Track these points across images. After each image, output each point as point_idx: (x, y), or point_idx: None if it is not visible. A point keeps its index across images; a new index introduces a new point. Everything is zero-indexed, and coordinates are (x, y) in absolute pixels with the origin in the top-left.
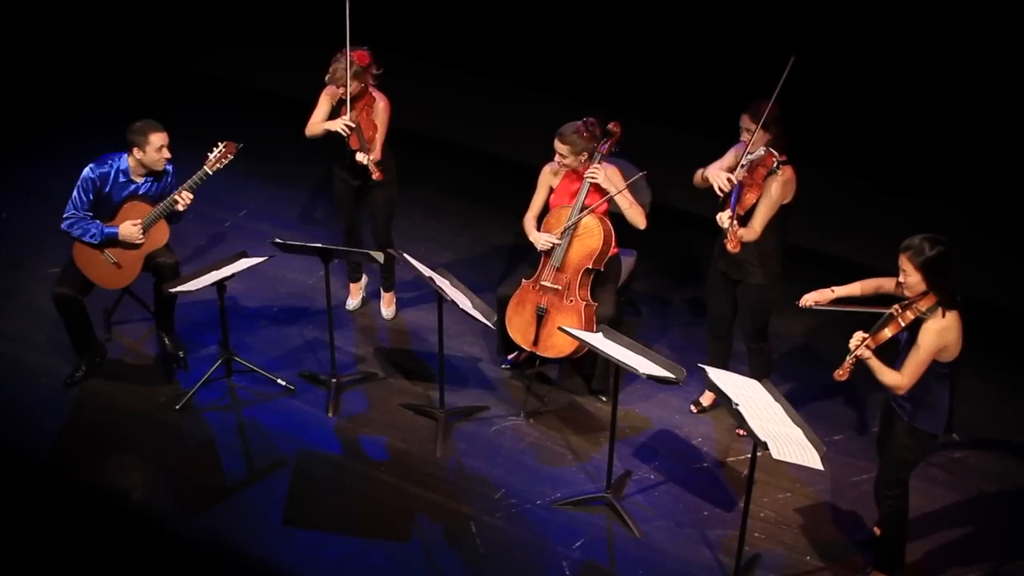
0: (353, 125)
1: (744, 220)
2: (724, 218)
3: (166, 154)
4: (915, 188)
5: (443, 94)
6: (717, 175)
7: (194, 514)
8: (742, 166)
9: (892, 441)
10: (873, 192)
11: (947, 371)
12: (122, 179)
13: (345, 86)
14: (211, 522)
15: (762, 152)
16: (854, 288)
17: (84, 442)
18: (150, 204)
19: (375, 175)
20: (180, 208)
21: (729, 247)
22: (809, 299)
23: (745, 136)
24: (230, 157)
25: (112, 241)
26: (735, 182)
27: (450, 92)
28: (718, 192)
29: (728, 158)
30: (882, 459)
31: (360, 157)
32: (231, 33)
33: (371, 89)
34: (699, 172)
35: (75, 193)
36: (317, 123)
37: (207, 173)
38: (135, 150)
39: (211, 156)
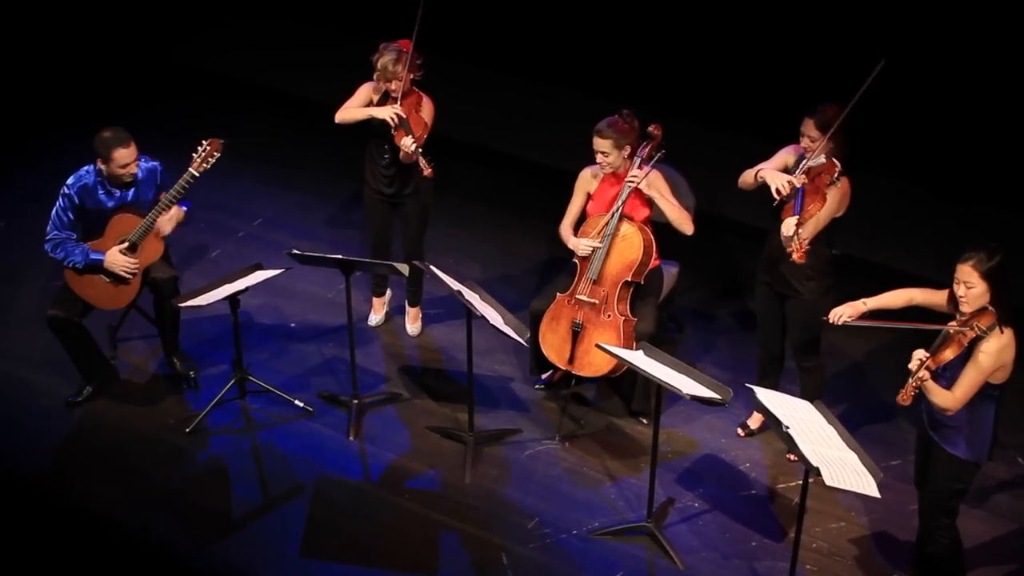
0: (403, 115)
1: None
2: (791, 225)
3: (132, 170)
4: (979, 197)
5: (469, 94)
6: (776, 176)
7: (206, 545)
8: (803, 171)
9: (933, 473)
10: (935, 201)
11: (996, 392)
12: (101, 191)
13: (397, 79)
14: (224, 553)
15: (823, 160)
16: (886, 299)
17: (87, 467)
18: (140, 215)
19: (426, 171)
20: (167, 229)
21: (795, 257)
22: (840, 314)
23: (806, 143)
24: (216, 155)
25: (99, 267)
26: (797, 186)
27: (476, 91)
28: (775, 195)
29: (779, 159)
30: (924, 493)
31: (408, 143)
32: (244, 30)
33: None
34: (749, 172)
35: (55, 211)
36: (355, 108)
37: (193, 176)
38: (98, 160)
39: (195, 156)
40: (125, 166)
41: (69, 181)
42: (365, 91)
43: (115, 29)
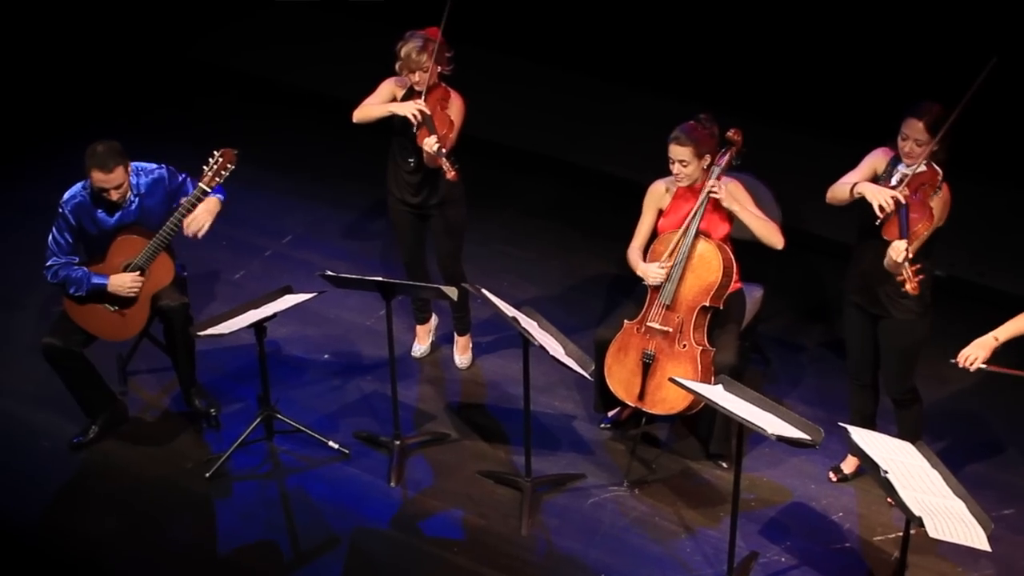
0: (427, 112)
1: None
2: (901, 249)
3: (112, 196)
4: None
5: (525, 95)
6: (878, 191)
7: None
8: (904, 183)
9: None
10: None
11: None
12: (99, 209)
13: (422, 70)
14: None
15: (923, 168)
16: (1018, 326)
17: (93, 517)
18: (147, 234)
19: (449, 174)
20: (189, 235)
21: (908, 288)
22: (972, 358)
23: (910, 146)
24: (230, 168)
25: (103, 292)
26: (902, 201)
27: (533, 92)
28: (878, 212)
29: (868, 166)
30: None
31: (431, 143)
32: (268, 22)
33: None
34: (843, 185)
35: (52, 237)
36: (374, 105)
37: (203, 191)
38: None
39: (206, 169)
40: (104, 190)
41: (63, 199)
42: (387, 87)
43: (126, 23)
